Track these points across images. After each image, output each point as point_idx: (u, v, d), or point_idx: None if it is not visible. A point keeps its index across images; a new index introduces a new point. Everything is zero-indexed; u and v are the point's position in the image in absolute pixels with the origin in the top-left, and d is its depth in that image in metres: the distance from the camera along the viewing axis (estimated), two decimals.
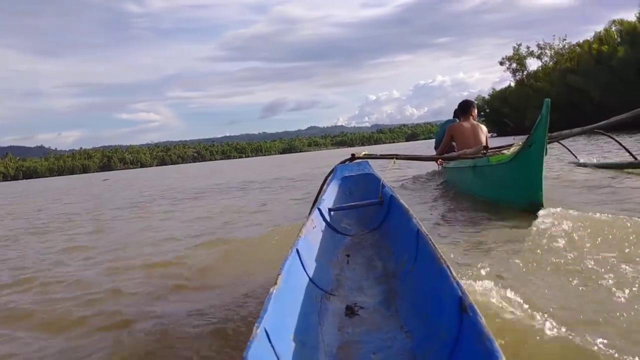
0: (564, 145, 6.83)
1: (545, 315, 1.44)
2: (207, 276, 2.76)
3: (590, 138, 11.25)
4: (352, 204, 2.92)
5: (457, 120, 5.93)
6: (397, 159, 4.80)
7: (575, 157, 6.64)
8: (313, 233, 2.26)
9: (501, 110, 39.70)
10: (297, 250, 1.79)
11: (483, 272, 1.90)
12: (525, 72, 39.03)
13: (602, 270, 1.85)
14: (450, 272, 1.26)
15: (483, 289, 1.62)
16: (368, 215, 2.81)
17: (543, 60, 37.14)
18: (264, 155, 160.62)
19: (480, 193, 4.23)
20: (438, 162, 6.18)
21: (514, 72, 40.37)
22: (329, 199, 3.05)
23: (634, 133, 12.24)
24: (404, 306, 1.59)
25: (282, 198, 6.97)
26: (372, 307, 1.66)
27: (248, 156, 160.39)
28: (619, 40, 24.32)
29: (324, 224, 2.58)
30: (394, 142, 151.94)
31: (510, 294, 1.59)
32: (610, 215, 2.72)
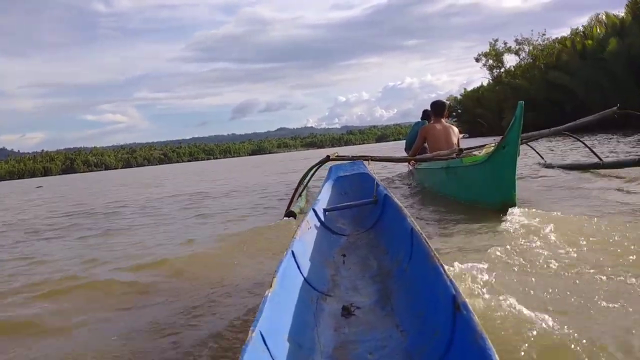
0: (531, 147, 7.05)
1: (516, 308, 1.51)
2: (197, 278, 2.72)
3: (560, 139, 11.62)
4: (347, 203, 2.93)
5: (427, 122, 6.01)
6: (371, 160, 4.86)
7: (542, 158, 6.85)
8: (308, 234, 2.27)
9: (474, 111, 38.43)
10: (293, 252, 1.80)
11: (457, 270, 1.97)
12: (502, 69, 36.64)
13: (570, 265, 1.97)
14: (444, 271, 1.30)
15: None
16: (363, 215, 2.83)
17: (521, 57, 35.05)
18: (233, 156, 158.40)
19: (454, 194, 4.29)
20: (410, 163, 6.26)
21: (490, 68, 37.82)
22: (323, 199, 3.05)
23: (599, 134, 12.82)
24: (399, 305, 1.63)
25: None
26: (368, 307, 1.68)
27: (216, 158, 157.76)
28: (602, 34, 22.72)
29: (319, 224, 2.59)
30: (364, 144, 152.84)
31: (483, 290, 1.66)
32: (577, 215, 2.89)
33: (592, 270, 1.90)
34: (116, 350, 1.76)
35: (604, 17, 23.79)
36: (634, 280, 1.74)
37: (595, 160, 5.42)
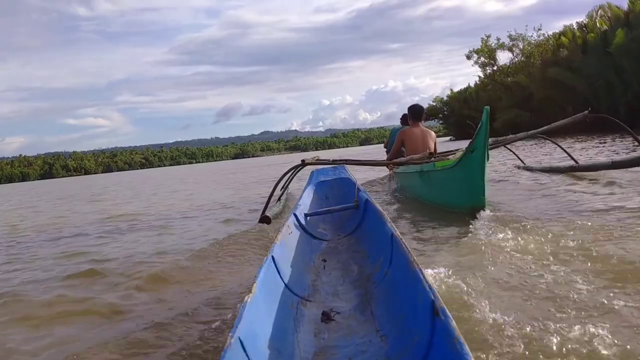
0: (510, 150, 7.15)
1: (484, 305, 1.57)
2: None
3: (539, 142, 11.81)
4: (327, 208, 2.92)
5: (406, 126, 6.05)
6: (347, 164, 4.87)
7: (521, 161, 6.97)
8: (289, 239, 2.26)
9: (462, 112, 36.16)
10: (273, 257, 1.79)
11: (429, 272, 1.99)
12: (495, 67, 34.32)
13: (537, 266, 2.03)
14: (423, 276, 1.31)
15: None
16: (344, 220, 2.83)
17: (515, 53, 32.25)
18: (215, 160, 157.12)
19: (427, 197, 4.34)
20: (389, 167, 6.31)
21: (483, 66, 35.21)
22: (304, 203, 3.04)
23: (572, 137, 13.12)
24: (379, 310, 1.63)
25: None
26: (348, 312, 1.68)
27: (199, 162, 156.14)
28: (605, 28, 21.12)
29: (300, 229, 2.59)
30: (347, 147, 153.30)
31: (452, 289, 1.71)
32: (545, 219, 2.95)
33: (547, 271, 1.95)
34: None
35: (607, 8, 21.88)
36: (595, 284, 1.79)
37: (572, 163, 5.54)
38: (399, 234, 1.78)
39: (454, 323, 1.04)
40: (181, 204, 7.98)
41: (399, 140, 5.53)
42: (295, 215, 2.65)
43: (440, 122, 47.08)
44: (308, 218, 2.78)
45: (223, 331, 1.79)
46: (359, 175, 8.31)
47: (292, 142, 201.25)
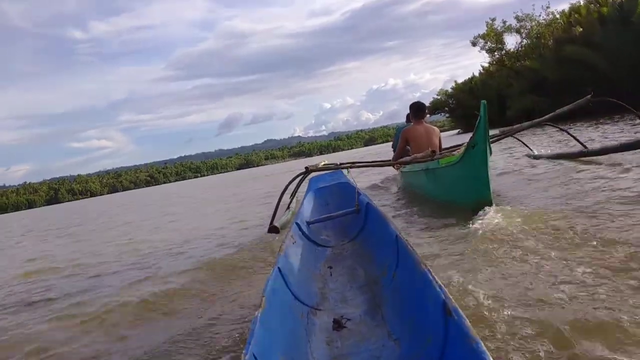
0: (518, 139, 7.11)
1: (490, 301, 1.55)
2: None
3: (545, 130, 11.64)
4: (329, 215, 2.91)
5: (411, 124, 6.02)
6: (352, 167, 4.84)
7: (530, 149, 6.87)
8: (293, 248, 2.25)
9: (468, 103, 33.80)
10: (279, 268, 1.78)
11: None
12: (504, 51, 31.73)
13: (543, 262, 1.98)
14: (432, 276, 1.28)
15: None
16: (346, 225, 2.81)
17: (523, 35, 29.77)
18: (220, 172, 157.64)
19: (434, 194, 4.32)
20: (395, 166, 6.28)
21: (490, 51, 32.64)
22: (306, 211, 3.03)
23: (574, 123, 12.99)
24: (389, 314, 1.61)
25: None
26: (359, 318, 1.67)
27: (204, 175, 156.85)
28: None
29: (303, 238, 2.57)
30: (352, 149, 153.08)
31: (458, 286, 1.68)
32: (554, 210, 2.90)
33: (553, 267, 1.91)
34: None
35: None
36: (605, 278, 1.74)
37: (581, 148, 5.47)
38: (403, 235, 1.75)
39: (467, 322, 1.03)
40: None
41: (403, 139, 5.50)
42: (298, 225, 2.63)
43: (447, 115, 44.72)
44: (310, 226, 2.77)
45: (237, 349, 1.76)
46: (368, 176, 8.31)
47: (296, 149, 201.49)
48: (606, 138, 7.24)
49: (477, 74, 37.48)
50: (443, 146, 5.44)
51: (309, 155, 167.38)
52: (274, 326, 1.42)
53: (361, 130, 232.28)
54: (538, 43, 27.26)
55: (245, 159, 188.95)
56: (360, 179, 8.01)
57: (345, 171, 4.41)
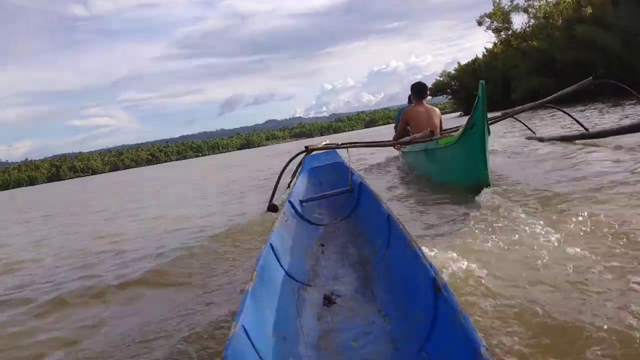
0: (519, 120, 7.07)
1: (484, 281, 1.56)
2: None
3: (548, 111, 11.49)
4: (322, 194, 2.93)
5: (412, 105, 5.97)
6: (352, 147, 4.82)
7: (532, 131, 6.84)
8: (286, 226, 2.27)
9: (470, 85, 33.23)
10: (271, 245, 1.79)
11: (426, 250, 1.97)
12: (510, 31, 31.02)
13: (536, 242, 1.98)
14: (422, 254, 1.29)
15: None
16: (339, 204, 2.83)
17: (531, 15, 29.08)
18: (221, 152, 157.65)
19: (433, 175, 4.31)
20: (396, 147, 6.27)
21: (497, 31, 31.84)
22: (299, 190, 3.05)
23: (578, 105, 12.85)
24: (380, 291, 1.62)
25: None
26: (349, 294, 1.68)
27: (205, 154, 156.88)
28: None
29: (296, 216, 2.59)
30: (353, 130, 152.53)
31: (453, 265, 1.69)
32: (553, 192, 2.88)
33: (544, 246, 1.91)
34: (96, 350, 1.74)
35: None
36: (598, 262, 1.73)
37: (582, 130, 5.44)
38: (395, 214, 1.77)
39: (456, 298, 1.03)
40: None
41: (403, 120, 5.49)
42: (291, 203, 2.65)
43: (449, 97, 44.08)
44: (304, 204, 2.79)
45: (227, 321, 1.78)
46: (370, 157, 8.25)
47: (297, 129, 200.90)
48: (607, 121, 7.19)
49: (480, 56, 36.90)
50: (444, 127, 5.43)
51: (310, 136, 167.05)
52: (265, 300, 1.43)
53: (362, 112, 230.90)
54: (546, 23, 26.72)
55: (247, 139, 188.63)
56: (363, 159, 8.00)
57: (345, 151, 4.42)
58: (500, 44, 32.02)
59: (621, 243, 1.84)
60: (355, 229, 2.42)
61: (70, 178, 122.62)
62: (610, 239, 1.90)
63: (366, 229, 2.25)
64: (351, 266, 1.96)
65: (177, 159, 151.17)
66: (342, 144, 4.84)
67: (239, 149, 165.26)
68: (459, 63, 41.19)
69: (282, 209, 2.47)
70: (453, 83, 41.13)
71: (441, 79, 42.79)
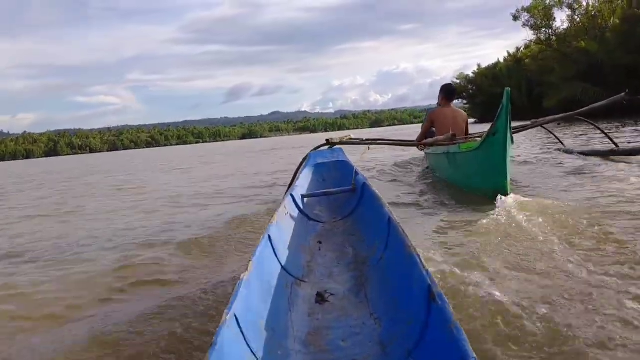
0: (550, 132, 7.04)
1: (487, 291, 1.56)
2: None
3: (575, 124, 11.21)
4: (324, 190, 2.93)
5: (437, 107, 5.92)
6: (375, 144, 4.73)
7: (562, 143, 6.80)
8: (285, 219, 2.27)
9: (491, 90, 31.36)
10: (269, 237, 1.79)
11: (439, 258, 1.98)
12: (551, 30, 27.23)
13: (551, 253, 1.98)
14: (420, 261, 1.29)
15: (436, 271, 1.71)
16: (340, 203, 2.83)
17: (577, 12, 25.46)
18: (223, 140, 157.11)
19: (453, 179, 4.31)
20: (419, 147, 6.22)
21: (536, 28, 27.74)
22: (302, 185, 3.04)
23: (610, 121, 12.59)
24: (373, 293, 1.62)
25: None
26: (342, 294, 1.68)
27: (205, 141, 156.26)
28: None
29: (296, 210, 2.59)
30: (357, 129, 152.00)
31: (462, 274, 1.69)
32: (569, 203, 2.89)
33: (559, 258, 1.91)
34: (91, 342, 1.72)
35: None
36: (608, 273, 1.73)
37: (612, 146, 5.38)
38: (396, 218, 1.77)
39: (450, 308, 1.03)
40: None
41: (428, 120, 5.43)
42: (292, 196, 2.65)
43: (464, 102, 40.71)
44: (305, 199, 2.79)
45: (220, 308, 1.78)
46: (392, 156, 8.09)
47: (302, 123, 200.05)
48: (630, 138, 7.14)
49: (495, 61, 35.35)
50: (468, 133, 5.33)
51: (314, 131, 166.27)
52: (258, 291, 1.44)
53: (368, 111, 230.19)
54: (594, 22, 23.58)
55: (249, 129, 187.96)
56: (385, 158, 7.88)
57: (365, 147, 4.37)
58: (538, 42, 28.46)
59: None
60: (355, 229, 2.42)
61: (67, 154, 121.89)
62: (625, 259, 1.87)
63: (365, 230, 2.25)
64: (347, 266, 1.97)
65: (177, 144, 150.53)
66: (366, 139, 4.76)
67: (241, 138, 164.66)
68: (479, 65, 39.13)
69: (283, 201, 2.47)
70: (470, 87, 39.39)
71: (458, 81, 40.48)
